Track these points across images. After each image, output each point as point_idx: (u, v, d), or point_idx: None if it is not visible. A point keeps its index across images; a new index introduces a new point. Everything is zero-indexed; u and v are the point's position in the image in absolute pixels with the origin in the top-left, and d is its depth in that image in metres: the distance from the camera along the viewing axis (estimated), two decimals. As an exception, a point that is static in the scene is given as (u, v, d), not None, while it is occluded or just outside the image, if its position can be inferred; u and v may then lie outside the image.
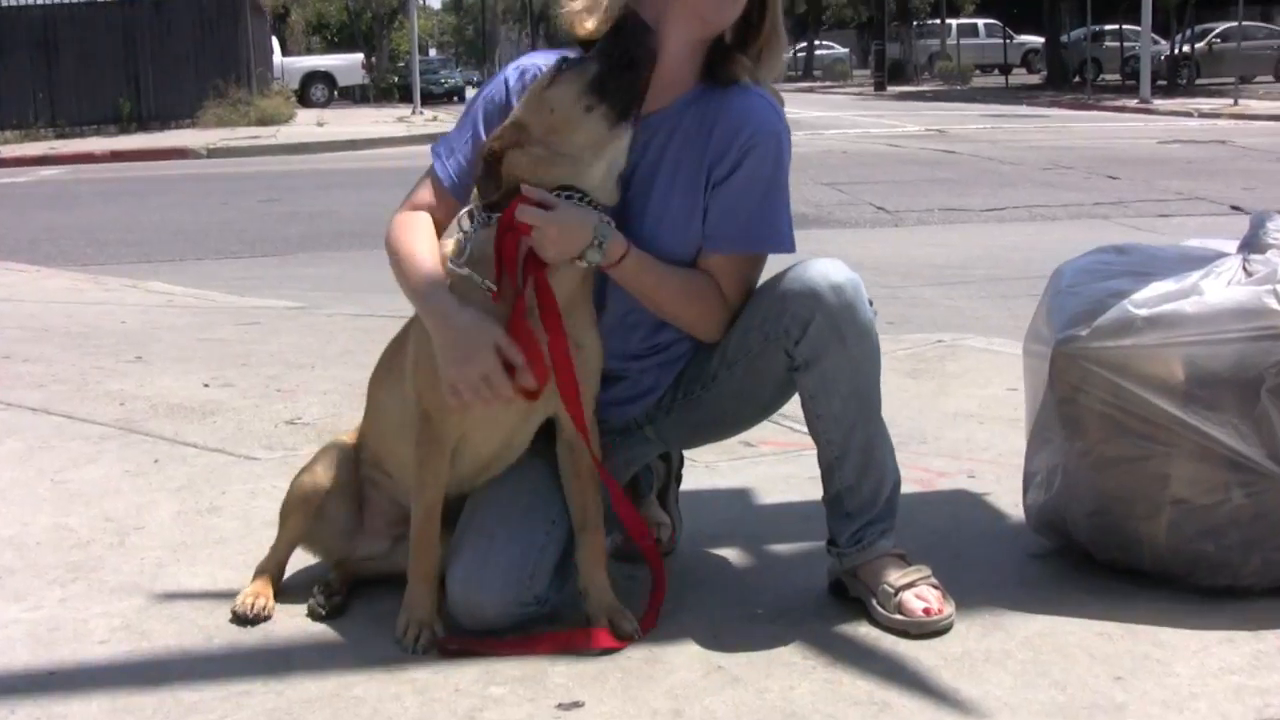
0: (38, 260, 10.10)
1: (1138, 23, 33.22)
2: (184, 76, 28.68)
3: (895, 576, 2.98)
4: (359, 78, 47.46)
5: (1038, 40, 47.55)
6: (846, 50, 65.04)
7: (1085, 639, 2.91)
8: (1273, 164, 16.43)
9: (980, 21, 54.49)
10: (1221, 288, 3.01)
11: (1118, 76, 41.95)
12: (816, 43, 64.28)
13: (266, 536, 3.30)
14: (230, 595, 3.14)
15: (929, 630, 2.92)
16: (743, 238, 3.00)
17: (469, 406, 2.80)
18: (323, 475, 3.15)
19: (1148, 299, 3.02)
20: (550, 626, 2.95)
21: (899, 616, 2.94)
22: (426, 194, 3.09)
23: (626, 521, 2.98)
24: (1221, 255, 3.15)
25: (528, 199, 2.75)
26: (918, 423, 4.67)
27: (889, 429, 3.09)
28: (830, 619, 3.04)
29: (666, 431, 3.21)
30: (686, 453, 3.62)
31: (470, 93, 56.93)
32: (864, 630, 2.97)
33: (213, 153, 22.16)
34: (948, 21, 53.12)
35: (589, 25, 2.96)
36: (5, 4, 28.13)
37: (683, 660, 2.84)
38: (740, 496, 3.96)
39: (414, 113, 33.82)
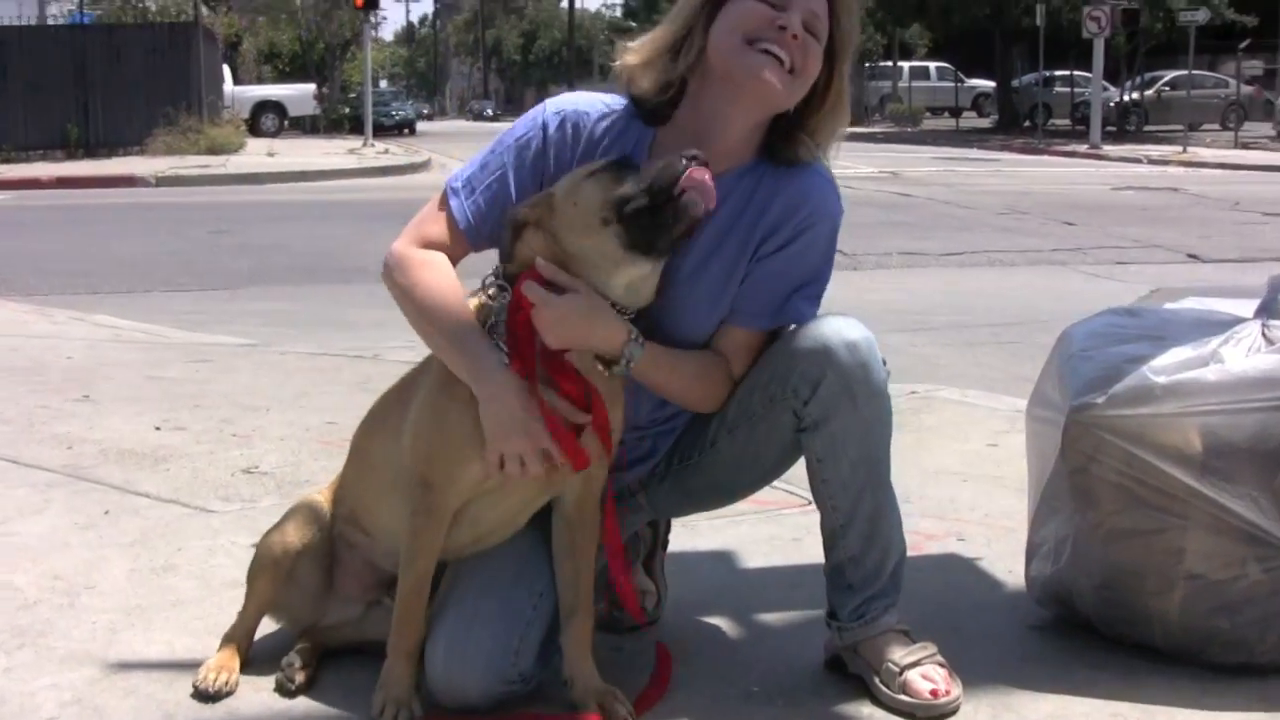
0: (-19, 290, 9.86)
1: (1088, 69, 33.53)
2: (134, 103, 28.30)
3: (900, 654, 2.82)
4: (310, 108, 47.15)
5: (988, 84, 47.83)
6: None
7: (1099, 721, 2.77)
8: (1226, 212, 16.50)
9: (932, 64, 54.73)
10: (1242, 355, 2.89)
11: (1068, 121, 42.32)
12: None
13: (227, 599, 3.12)
14: (190, 665, 2.94)
15: (936, 713, 2.76)
16: (770, 314, 2.84)
17: (509, 476, 2.62)
18: (294, 536, 2.94)
19: (1166, 366, 2.89)
20: (533, 705, 2.77)
21: (904, 698, 2.78)
22: (438, 230, 2.86)
23: (625, 603, 2.82)
24: (1238, 320, 3.03)
25: (539, 274, 2.59)
26: (900, 480, 4.39)
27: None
28: (830, 698, 2.88)
29: (659, 499, 3.05)
30: (673, 516, 3.45)
31: (423, 126, 57.12)
32: (867, 711, 2.82)
33: (161, 181, 21.83)
34: (899, 64, 53.36)
35: (644, 85, 2.82)
36: (-48, 27, 27.81)
37: (680, 744, 2.67)
38: (723, 560, 3.79)
39: (365, 144, 33.54)
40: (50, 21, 37.17)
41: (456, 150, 34.24)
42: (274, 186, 21.89)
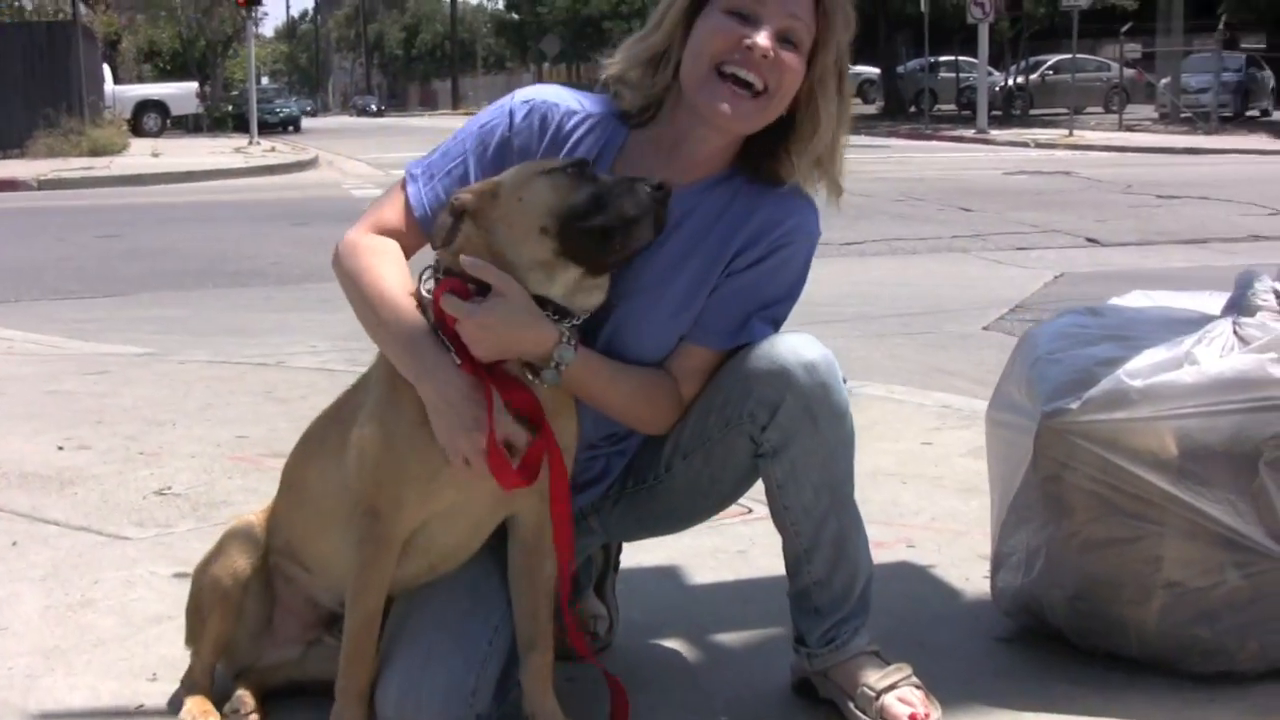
0: None
1: (973, 54, 33.81)
2: (12, 104, 27.60)
3: (874, 678, 2.68)
4: (193, 107, 46.38)
5: (873, 71, 48.08)
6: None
7: (1081, 738, 2.68)
8: (1119, 195, 16.66)
9: (817, 52, 55.01)
10: (1216, 356, 2.79)
11: (954, 107, 42.67)
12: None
13: (152, 636, 2.92)
14: (118, 713, 2.74)
15: (916, 738, 2.63)
16: (729, 333, 2.67)
17: (474, 472, 2.41)
18: (242, 564, 2.71)
19: (1140, 369, 2.79)
20: (490, 745, 2.60)
21: (882, 724, 2.64)
22: (394, 216, 2.68)
23: (570, 637, 2.67)
24: (1206, 318, 2.93)
25: (459, 277, 2.41)
26: (839, 483, 4.40)
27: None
28: (802, 726, 2.75)
29: (612, 523, 2.88)
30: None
31: (307, 123, 56.37)
32: (842, 738, 2.69)
33: (44, 184, 21.26)
34: (784, 52, 53.54)
35: (626, 99, 2.68)
36: None
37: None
38: (671, 576, 3.64)
39: (251, 143, 33.03)
40: (-78, 21, 36.23)
41: (343, 147, 33.86)
42: (160, 188, 21.39)
